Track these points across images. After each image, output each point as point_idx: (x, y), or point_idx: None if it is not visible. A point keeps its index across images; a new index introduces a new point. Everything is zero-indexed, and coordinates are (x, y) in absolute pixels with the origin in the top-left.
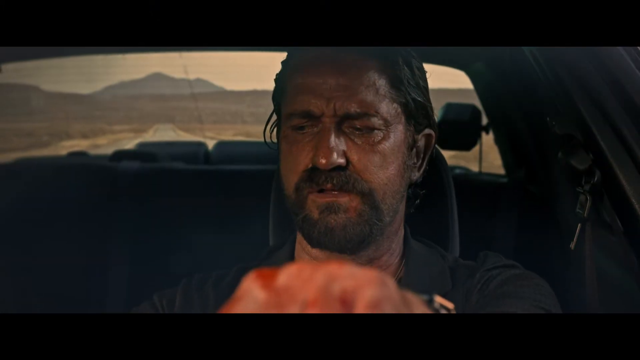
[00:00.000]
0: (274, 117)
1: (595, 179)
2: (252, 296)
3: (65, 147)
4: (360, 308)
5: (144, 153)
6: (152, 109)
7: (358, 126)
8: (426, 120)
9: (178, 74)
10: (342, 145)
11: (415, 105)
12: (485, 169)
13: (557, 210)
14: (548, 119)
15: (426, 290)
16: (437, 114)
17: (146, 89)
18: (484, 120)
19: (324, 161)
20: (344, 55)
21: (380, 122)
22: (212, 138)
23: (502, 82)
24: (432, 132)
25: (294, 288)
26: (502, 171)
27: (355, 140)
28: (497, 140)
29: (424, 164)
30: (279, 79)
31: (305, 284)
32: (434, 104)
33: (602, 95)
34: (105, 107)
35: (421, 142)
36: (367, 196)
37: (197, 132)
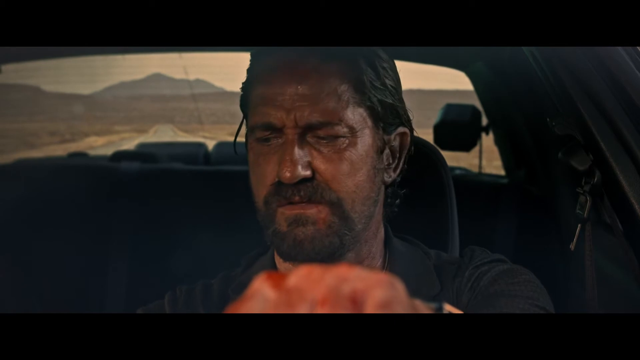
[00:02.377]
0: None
1: (595, 179)
2: (262, 295)
3: (65, 148)
4: (370, 308)
5: (143, 154)
6: (153, 109)
7: (322, 135)
8: (397, 120)
9: (178, 75)
10: (307, 157)
11: (383, 107)
12: (485, 170)
13: (557, 210)
14: (548, 119)
15: (413, 292)
16: (437, 115)
17: (146, 90)
18: (484, 121)
19: (288, 174)
20: (305, 61)
21: (345, 129)
22: (212, 138)
23: (502, 82)
24: (407, 130)
25: (304, 288)
26: (502, 172)
27: (321, 149)
28: (497, 141)
29: (401, 163)
30: (244, 87)
31: (316, 284)
32: (433, 105)
33: (602, 95)
34: (106, 108)
35: (395, 142)
36: (336, 206)
37: (196, 132)
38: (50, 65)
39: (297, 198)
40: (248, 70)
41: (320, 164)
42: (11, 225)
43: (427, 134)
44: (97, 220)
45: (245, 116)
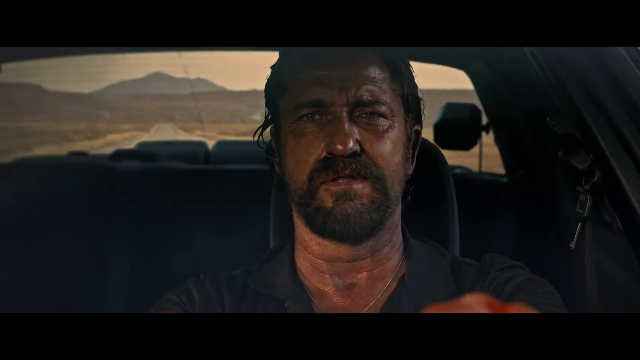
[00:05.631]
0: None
1: (595, 178)
2: None
3: (66, 147)
4: None
5: (144, 152)
6: (153, 108)
7: (368, 114)
8: (417, 117)
9: (178, 74)
10: (356, 134)
11: (413, 100)
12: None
13: (557, 209)
14: (548, 118)
15: (430, 291)
16: (437, 114)
17: (147, 89)
18: (484, 120)
19: (341, 147)
20: (349, 49)
21: (388, 111)
22: (212, 138)
23: (502, 82)
24: (419, 128)
25: None
26: (502, 171)
27: (366, 128)
28: (497, 140)
29: (414, 159)
30: (274, 79)
31: None
32: (434, 104)
33: (602, 95)
34: (107, 107)
35: (412, 137)
36: (380, 182)
37: (197, 131)
38: (51, 64)
39: (348, 171)
40: (280, 63)
41: (367, 141)
42: (11, 225)
43: (427, 133)
44: (97, 218)
45: (274, 108)
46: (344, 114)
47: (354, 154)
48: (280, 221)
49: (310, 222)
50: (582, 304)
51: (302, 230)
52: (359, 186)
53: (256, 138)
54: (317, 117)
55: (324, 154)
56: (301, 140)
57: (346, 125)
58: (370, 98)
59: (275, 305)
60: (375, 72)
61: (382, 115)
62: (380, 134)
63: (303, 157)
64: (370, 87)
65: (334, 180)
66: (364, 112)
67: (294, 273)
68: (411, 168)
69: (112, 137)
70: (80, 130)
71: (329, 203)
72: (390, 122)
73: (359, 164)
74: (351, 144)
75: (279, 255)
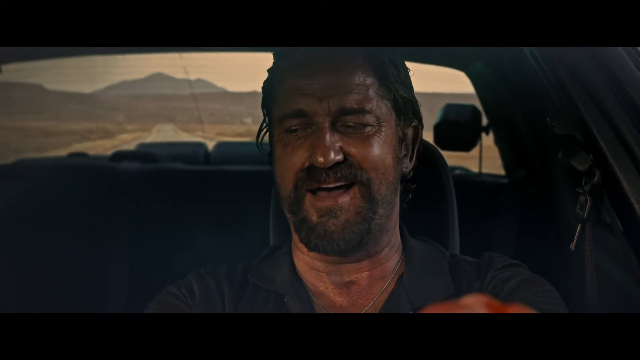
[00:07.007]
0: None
1: (595, 179)
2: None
3: (67, 147)
4: None
5: (144, 153)
6: (154, 109)
7: (351, 123)
8: (413, 115)
9: (179, 75)
10: (338, 142)
11: (403, 101)
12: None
13: (557, 210)
14: (548, 119)
15: (428, 291)
16: (437, 115)
17: (148, 89)
18: (484, 121)
19: (322, 159)
20: (334, 55)
21: (373, 119)
22: (211, 139)
23: (502, 82)
24: (419, 125)
25: None
26: (502, 172)
27: (350, 136)
28: (497, 141)
29: (414, 155)
30: (267, 85)
31: None
32: (433, 106)
33: (602, 95)
34: (108, 107)
35: (409, 135)
36: (365, 187)
37: (196, 132)
38: (52, 65)
39: (332, 179)
40: (273, 68)
41: (351, 148)
42: (12, 225)
43: (427, 135)
44: (97, 220)
45: (268, 113)
46: (327, 124)
47: (337, 164)
48: (280, 222)
49: (297, 232)
50: (582, 305)
51: (295, 233)
52: (345, 200)
53: (259, 140)
54: (301, 127)
55: (307, 163)
56: (287, 149)
57: (327, 137)
58: (354, 106)
59: (275, 300)
60: (359, 79)
61: (368, 123)
62: (365, 139)
63: (289, 166)
64: (353, 96)
65: (318, 190)
66: (348, 120)
67: (293, 270)
68: (410, 165)
69: (123, 136)
70: (93, 130)
71: (314, 218)
72: (377, 127)
73: (344, 172)
74: (332, 155)
75: (279, 253)
